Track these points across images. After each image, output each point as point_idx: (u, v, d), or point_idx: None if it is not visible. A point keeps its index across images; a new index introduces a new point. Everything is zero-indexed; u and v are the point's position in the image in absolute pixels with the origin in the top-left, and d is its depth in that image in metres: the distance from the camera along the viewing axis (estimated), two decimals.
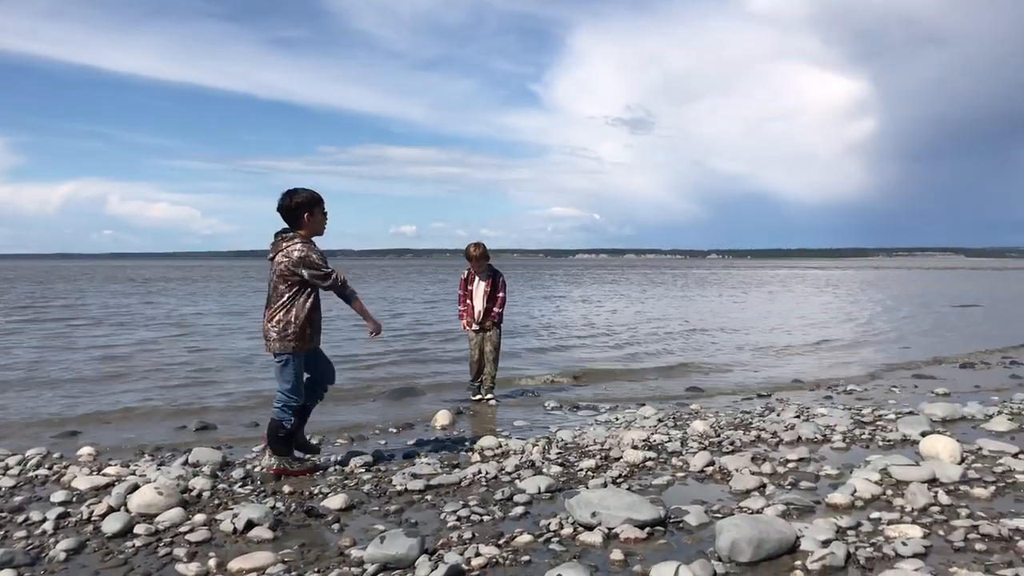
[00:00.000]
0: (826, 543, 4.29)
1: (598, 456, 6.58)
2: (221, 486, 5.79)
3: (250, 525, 4.77)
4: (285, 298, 5.94)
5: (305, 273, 5.88)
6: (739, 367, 13.54)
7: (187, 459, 6.53)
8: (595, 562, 4.20)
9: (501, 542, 4.51)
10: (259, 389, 10.69)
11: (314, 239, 6.15)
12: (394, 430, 8.15)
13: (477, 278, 9.73)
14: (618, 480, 5.90)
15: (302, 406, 6.29)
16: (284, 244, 5.94)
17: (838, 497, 5.21)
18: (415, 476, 5.96)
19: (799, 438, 7.26)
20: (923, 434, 6.99)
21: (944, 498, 5.15)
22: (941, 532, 4.58)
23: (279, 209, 5.99)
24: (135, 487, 5.45)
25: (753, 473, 5.95)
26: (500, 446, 7.05)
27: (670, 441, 7.09)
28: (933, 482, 5.56)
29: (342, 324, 18.18)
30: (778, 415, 8.49)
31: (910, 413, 8.33)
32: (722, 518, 4.59)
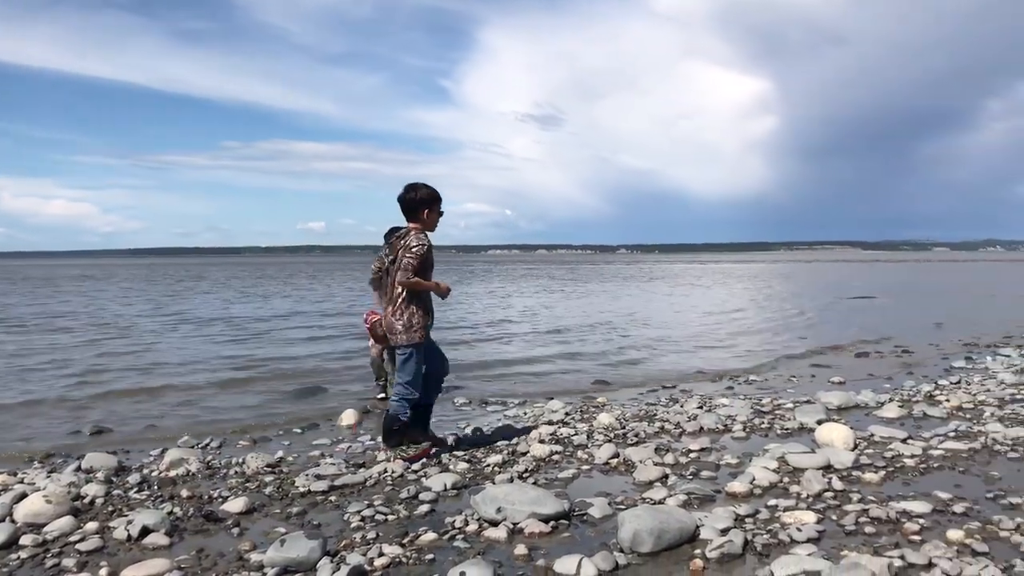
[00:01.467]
0: (725, 531, 4.39)
1: (505, 451, 6.60)
2: (116, 492, 5.60)
3: (145, 532, 4.63)
4: (408, 291, 6.11)
5: (403, 256, 6.02)
6: (645, 360, 13.75)
7: (80, 465, 6.29)
8: (499, 558, 4.20)
9: (405, 541, 4.47)
10: (153, 385, 10.42)
11: (427, 234, 6.28)
12: (298, 430, 8.01)
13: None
14: (524, 475, 5.92)
15: (418, 402, 6.39)
16: (402, 240, 6.12)
17: (737, 485, 5.34)
18: (319, 477, 5.86)
19: (701, 428, 7.42)
20: (819, 422, 7.22)
21: (838, 484, 5.33)
22: (834, 517, 4.73)
23: (400, 200, 6.22)
24: (22, 496, 5.22)
25: (656, 464, 6.05)
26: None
27: (576, 434, 7.14)
28: (828, 468, 5.75)
29: (251, 326, 17.83)
30: (681, 406, 8.65)
31: (807, 402, 8.60)
32: (625, 509, 4.64)
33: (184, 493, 5.54)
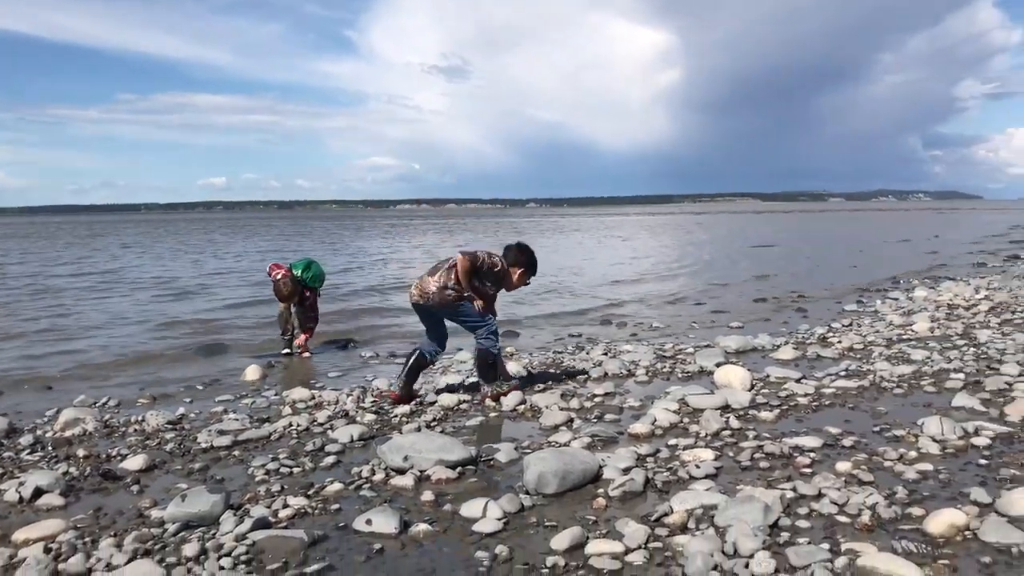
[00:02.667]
0: (627, 470, 4.49)
1: (413, 402, 6.59)
2: (7, 454, 5.39)
3: (38, 493, 4.49)
4: (449, 262, 6.60)
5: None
6: (553, 310, 13.88)
7: None
8: (406, 505, 4.21)
9: (311, 492, 4.44)
10: (49, 349, 10.03)
11: None
12: (200, 387, 7.83)
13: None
14: (432, 424, 5.94)
15: (421, 355, 6.76)
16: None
17: (639, 427, 5.47)
18: (221, 432, 5.75)
19: (606, 374, 7.56)
20: (718, 365, 7.43)
21: (735, 423, 5.52)
22: (731, 453, 4.90)
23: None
24: None
25: (562, 409, 6.15)
26: (313, 398, 6.92)
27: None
28: (725, 409, 5.94)
29: (149, 283, 17.27)
30: (587, 353, 8.79)
31: (707, 346, 8.84)
32: (531, 453, 4.71)
33: (80, 453, 5.37)
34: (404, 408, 6.32)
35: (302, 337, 9.44)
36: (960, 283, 15.15)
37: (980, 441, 4.89)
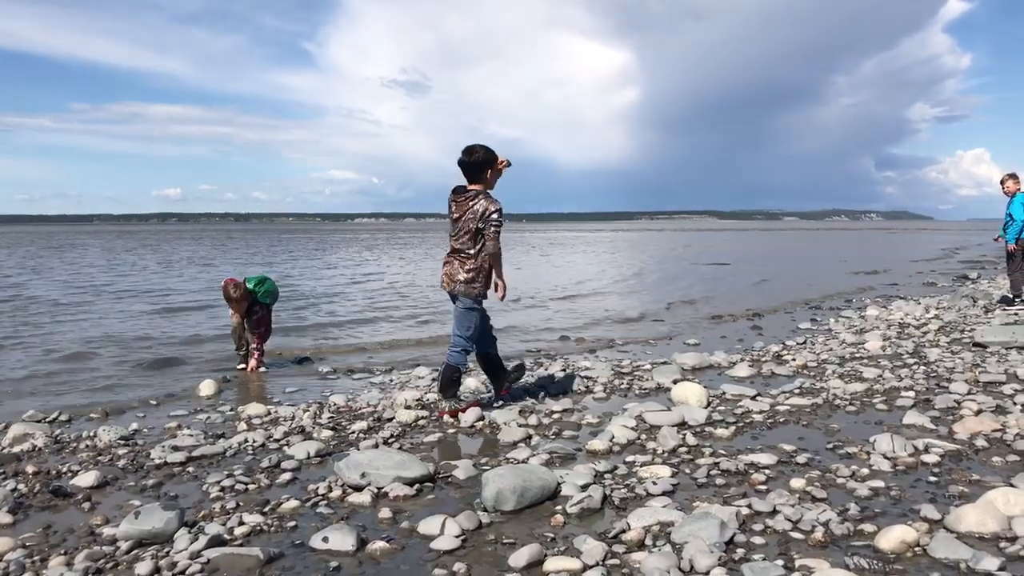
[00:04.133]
0: (584, 487, 4.52)
1: (370, 418, 6.56)
2: None
3: None
4: (475, 248, 6.40)
5: (483, 226, 6.31)
6: (511, 326, 13.89)
7: None
8: (363, 522, 4.19)
9: (267, 509, 4.40)
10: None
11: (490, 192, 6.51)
12: (154, 402, 7.71)
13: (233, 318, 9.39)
14: (390, 440, 5.92)
15: (485, 352, 6.86)
16: (472, 203, 6.34)
17: (597, 443, 5.50)
18: (176, 448, 5.67)
19: (564, 391, 7.58)
20: (675, 382, 7.49)
21: (691, 439, 5.57)
22: (687, 470, 4.95)
23: (462, 164, 6.40)
24: None
25: (520, 425, 6.16)
26: (269, 413, 6.86)
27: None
28: (682, 425, 6.00)
29: (100, 294, 16.98)
30: (545, 370, 8.81)
31: (664, 363, 8.91)
32: (489, 470, 4.71)
33: (29, 469, 5.25)
34: (361, 424, 6.28)
35: (252, 362, 9.30)
36: (911, 302, 15.45)
37: (930, 458, 4.99)
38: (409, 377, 8.62)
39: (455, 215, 6.47)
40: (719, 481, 4.72)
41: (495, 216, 6.30)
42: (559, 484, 4.56)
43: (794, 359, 8.97)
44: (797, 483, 4.57)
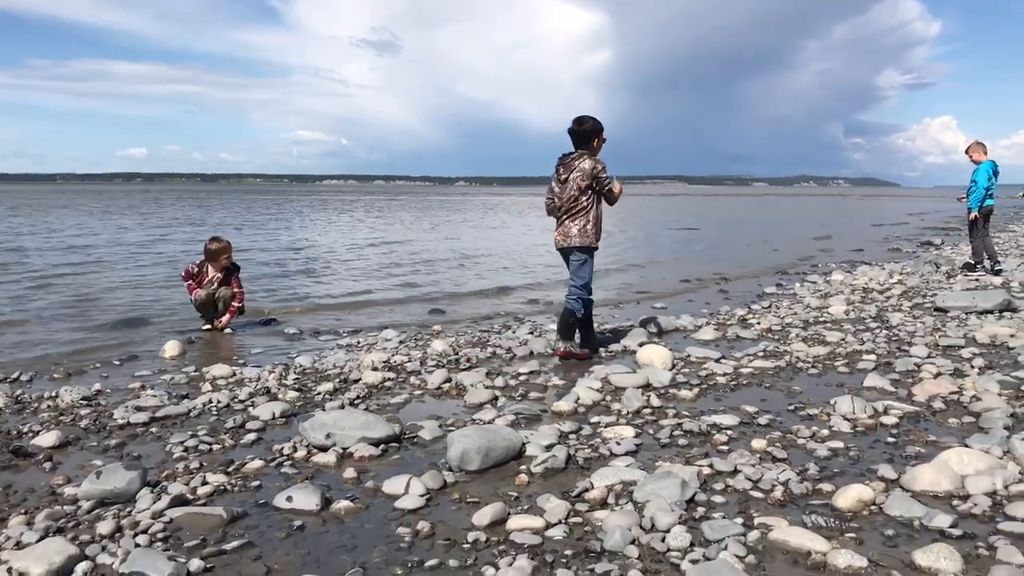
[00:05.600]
0: (549, 447, 4.55)
1: (336, 380, 6.55)
2: None
3: None
4: (585, 205, 7.04)
5: (594, 183, 6.99)
6: (480, 288, 13.89)
7: None
8: (328, 482, 4.19)
9: (230, 469, 4.39)
10: None
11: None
12: (117, 362, 7.63)
13: (210, 272, 9.33)
14: (356, 401, 5.92)
15: (586, 303, 7.29)
16: (578, 162, 7.02)
17: (563, 405, 5.54)
18: (139, 409, 5.64)
19: (531, 353, 7.61)
20: (641, 344, 7.54)
21: (655, 401, 5.63)
22: (651, 431, 5.00)
23: (573, 132, 7.12)
24: None
25: (487, 387, 6.18)
26: (234, 375, 6.82)
27: (410, 361, 7.18)
28: (647, 387, 6.05)
29: (65, 253, 16.66)
30: (514, 332, 8.84)
31: (632, 326, 8.96)
32: (455, 430, 4.72)
33: None
34: (327, 385, 6.27)
35: (226, 316, 9.27)
36: (875, 267, 15.64)
37: (888, 420, 5.08)
38: (376, 339, 8.60)
39: (563, 176, 7.10)
40: (682, 441, 4.77)
41: (602, 170, 7.00)
42: (524, 444, 4.59)
43: (759, 323, 9.06)
44: (758, 443, 4.63)
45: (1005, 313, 9.00)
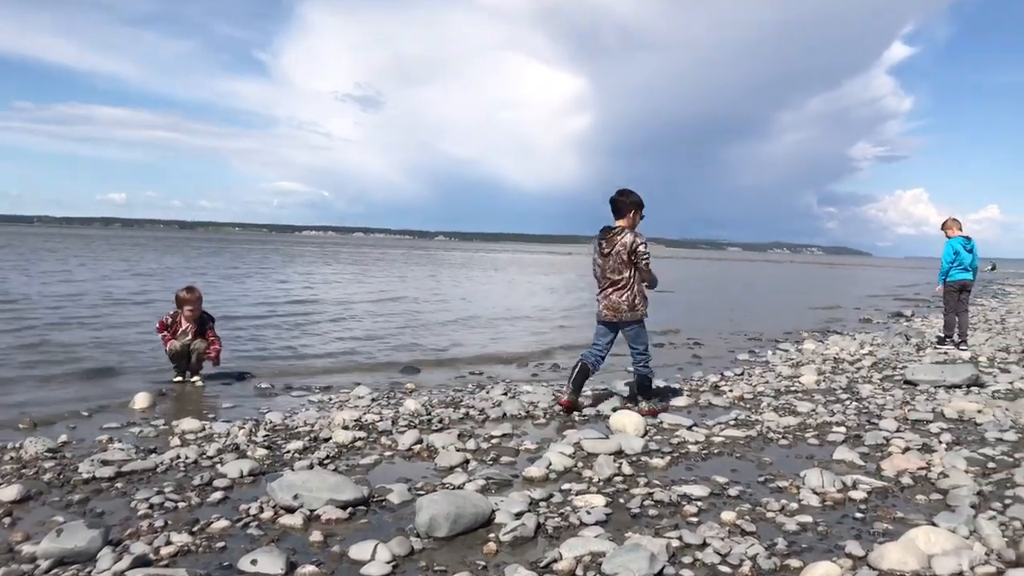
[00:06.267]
0: (519, 515, 4.53)
1: (307, 438, 6.49)
2: None
3: None
4: (628, 279, 7.42)
5: (635, 258, 7.37)
6: (456, 346, 13.88)
7: None
8: (294, 545, 4.14)
9: (195, 529, 4.33)
10: None
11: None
12: (86, 413, 7.52)
13: (184, 323, 9.30)
14: (325, 461, 5.86)
15: (585, 365, 7.70)
16: (620, 237, 7.39)
17: (534, 471, 5.52)
18: (105, 463, 5.55)
19: (504, 415, 7.60)
20: (614, 409, 7.56)
21: (627, 468, 5.62)
22: (622, 500, 4.99)
23: (613, 202, 7.51)
24: None
25: (458, 450, 6.15)
26: (203, 429, 6.75)
27: (381, 420, 7.14)
28: (619, 454, 6.05)
29: (43, 301, 16.47)
30: (488, 393, 8.82)
31: (604, 390, 8.97)
32: (424, 495, 4.69)
33: None
34: (297, 443, 6.22)
35: (208, 362, 9.27)
36: (846, 337, 15.80)
37: (857, 495, 5.11)
38: (348, 396, 8.55)
39: (606, 250, 7.45)
40: (652, 512, 4.77)
41: (643, 248, 7.38)
42: (494, 511, 4.57)
43: (731, 390, 9.11)
44: (728, 516, 4.63)
45: (973, 388, 9.12)
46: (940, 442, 6.60)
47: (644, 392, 7.77)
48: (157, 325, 9.38)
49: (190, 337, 9.18)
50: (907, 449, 6.30)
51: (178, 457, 5.75)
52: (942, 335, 14.20)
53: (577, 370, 7.69)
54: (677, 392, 8.85)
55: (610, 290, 7.49)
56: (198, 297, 9.26)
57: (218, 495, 4.95)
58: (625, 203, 7.46)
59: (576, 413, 7.72)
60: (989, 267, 53.99)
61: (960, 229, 13.66)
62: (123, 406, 7.89)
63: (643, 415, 7.23)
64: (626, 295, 7.43)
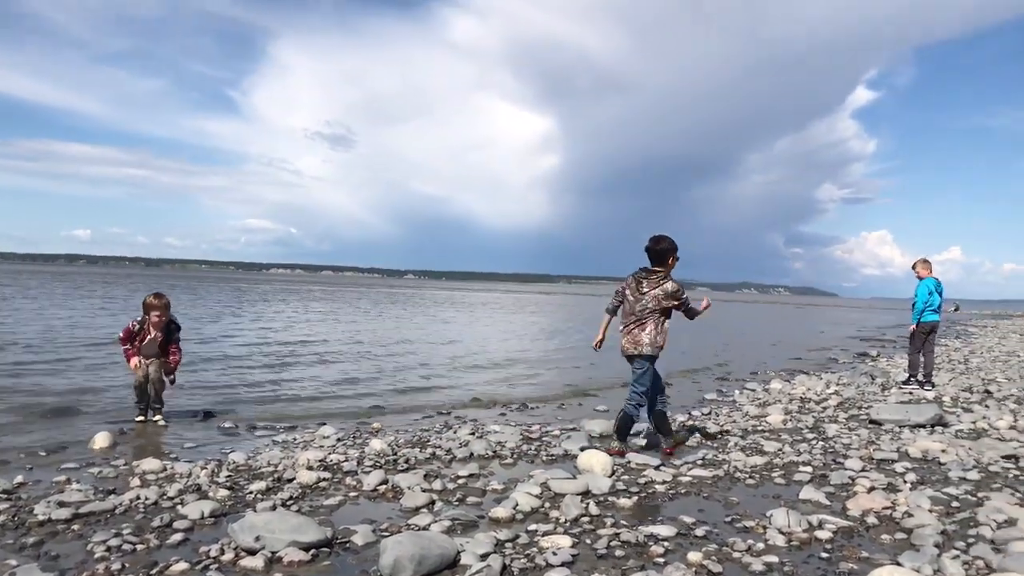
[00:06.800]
0: (484, 556, 4.48)
1: (270, 478, 6.40)
2: None
3: None
4: (659, 320, 7.53)
5: (673, 303, 7.53)
6: (423, 386, 13.80)
7: None
8: None
9: (153, 572, 4.24)
10: None
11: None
12: (43, 453, 7.36)
13: (152, 331, 9.15)
14: (288, 502, 5.77)
15: (650, 406, 7.89)
16: (662, 283, 7.51)
17: (501, 511, 5.48)
18: (62, 504, 5.43)
19: (471, 455, 7.54)
20: (582, 449, 7.53)
21: (594, 509, 5.60)
22: (588, 540, 4.96)
23: (649, 250, 7.59)
24: None
25: (424, 490, 6.09)
26: (165, 469, 6.63)
27: (346, 460, 7.06)
28: (586, 494, 6.02)
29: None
30: (455, 432, 8.76)
31: (573, 429, 8.96)
32: (389, 536, 4.63)
33: None
34: (260, 484, 6.12)
35: (173, 363, 9.22)
36: (813, 377, 15.91)
37: (823, 534, 5.12)
38: (314, 436, 8.45)
39: (644, 289, 7.54)
40: (618, 553, 4.73)
41: (681, 292, 7.57)
42: (459, 552, 4.52)
43: (705, 427, 9.11)
44: (694, 556, 4.62)
45: (937, 428, 9.20)
46: (905, 481, 6.63)
47: (621, 430, 7.74)
48: (121, 334, 9.18)
49: (156, 349, 9.02)
50: (872, 488, 6.33)
51: (138, 498, 5.64)
52: (907, 375, 14.34)
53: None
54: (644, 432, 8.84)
55: (634, 327, 7.56)
56: (165, 304, 9.12)
57: (178, 537, 4.85)
58: (661, 251, 7.57)
59: (544, 453, 7.69)
60: (953, 308, 54.71)
61: (930, 271, 13.84)
62: (83, 446, 7.74)
63: (611, 454, 7.21)
64: (650, 331, 7.48)
